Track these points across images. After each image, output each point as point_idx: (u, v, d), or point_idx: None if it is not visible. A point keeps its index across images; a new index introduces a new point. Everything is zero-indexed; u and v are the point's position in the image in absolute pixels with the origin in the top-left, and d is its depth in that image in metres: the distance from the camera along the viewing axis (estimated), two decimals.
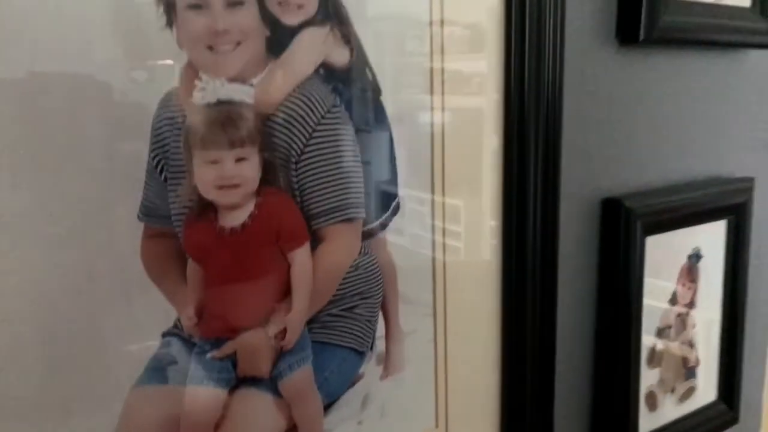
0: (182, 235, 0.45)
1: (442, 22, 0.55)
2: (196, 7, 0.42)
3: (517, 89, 0.62)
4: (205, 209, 0.46)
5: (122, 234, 0.42)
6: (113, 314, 0.43)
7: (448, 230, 0.58)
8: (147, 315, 0.44)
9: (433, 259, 0.58)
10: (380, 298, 0.54)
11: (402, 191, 0.54)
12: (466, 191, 0.60)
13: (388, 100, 0.52)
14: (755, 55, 0.86)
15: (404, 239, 0.56)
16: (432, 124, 0.56)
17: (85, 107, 0.40)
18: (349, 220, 0.50)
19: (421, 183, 0.56)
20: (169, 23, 0.42)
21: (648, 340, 0.79)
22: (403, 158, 0.54)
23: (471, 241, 0.61)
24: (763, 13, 0.82)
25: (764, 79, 0.88)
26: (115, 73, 0.40)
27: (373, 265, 0.53)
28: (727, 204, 0.84)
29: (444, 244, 0.58)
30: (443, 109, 0.56)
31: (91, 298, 0.42)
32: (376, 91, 0.51)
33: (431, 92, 0.55)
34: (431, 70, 0.55)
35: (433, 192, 0.56)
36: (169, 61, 0.42)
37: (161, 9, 0.41)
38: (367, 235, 0.52)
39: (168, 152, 0.44)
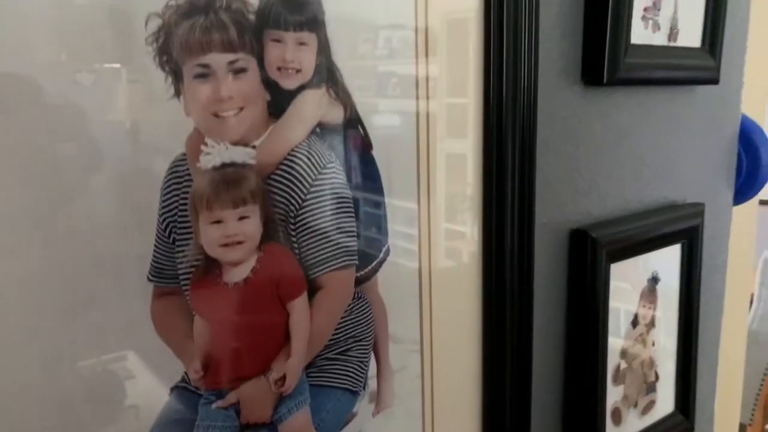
0: (189, 293, 0.47)
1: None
2: (202, 76, 0.44)
3: (496, 124, 0.66)
4: (211, 267, 0.47)
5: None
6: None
7: (433, 279, 0.61)
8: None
9: (420, 296, 0.61)
10: (372, 340, 0.57)
11: (391, 240, 0.57)
12: (450, 223, 0.64)
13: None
14: (703, 90, 0.92)
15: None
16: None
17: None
18: (344, 267, 0.53)
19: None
20: (177, 94, 0.43)
21: (613, 360, 0.84)
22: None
23: (454, 273, 0.65)
24: (711, 52, 0.88)
25: (710, 111, 0.95)
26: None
27: (365, 309, 0.56)
28: (682, 228, 0.90)
29: (430, 282, 0.62)
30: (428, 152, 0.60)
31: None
32: (368, 144, 0.54)
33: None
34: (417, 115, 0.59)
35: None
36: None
37: (169, 81, 0.43)
38: (360, 281, 0.55)
39: (176, 215, 0.45)
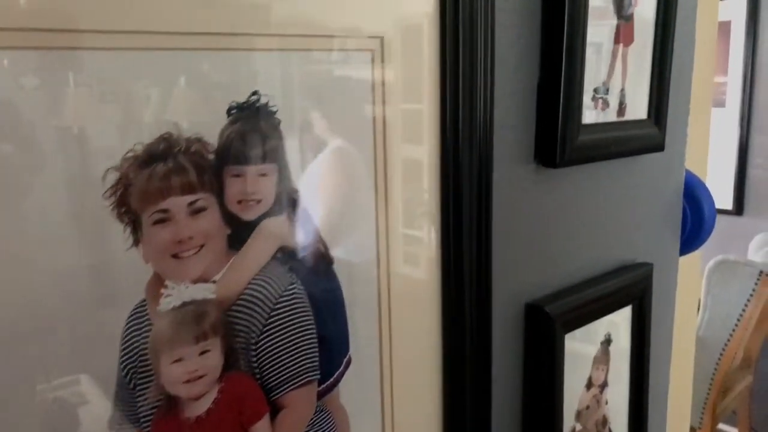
0: None
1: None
2: (162, 221, 0.44)
3: (453, 210, 0.67)
4: (172, 404, 0.47)
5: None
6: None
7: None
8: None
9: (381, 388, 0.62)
10: None
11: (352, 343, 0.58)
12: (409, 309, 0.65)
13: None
14: (648, 156, 0.96)
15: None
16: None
17: None
18: (305, 384, 0.53)
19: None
20: (136, 242, 0.43)
21: (568, 424, 0.87)
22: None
23: (414, 370, 0.66)
24: (657, 122, 0.92)
25: (656, 174, 0.99)
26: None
27: (328, 422, 0.56)
28: (633, 291, 0.94)
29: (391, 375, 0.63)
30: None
31: None
32: (329, 261, 0.54)
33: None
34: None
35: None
36: None
37: (128, 231, 0.42)
38: (322, 393, 0.56)
39: (136, 361, 0.45)
